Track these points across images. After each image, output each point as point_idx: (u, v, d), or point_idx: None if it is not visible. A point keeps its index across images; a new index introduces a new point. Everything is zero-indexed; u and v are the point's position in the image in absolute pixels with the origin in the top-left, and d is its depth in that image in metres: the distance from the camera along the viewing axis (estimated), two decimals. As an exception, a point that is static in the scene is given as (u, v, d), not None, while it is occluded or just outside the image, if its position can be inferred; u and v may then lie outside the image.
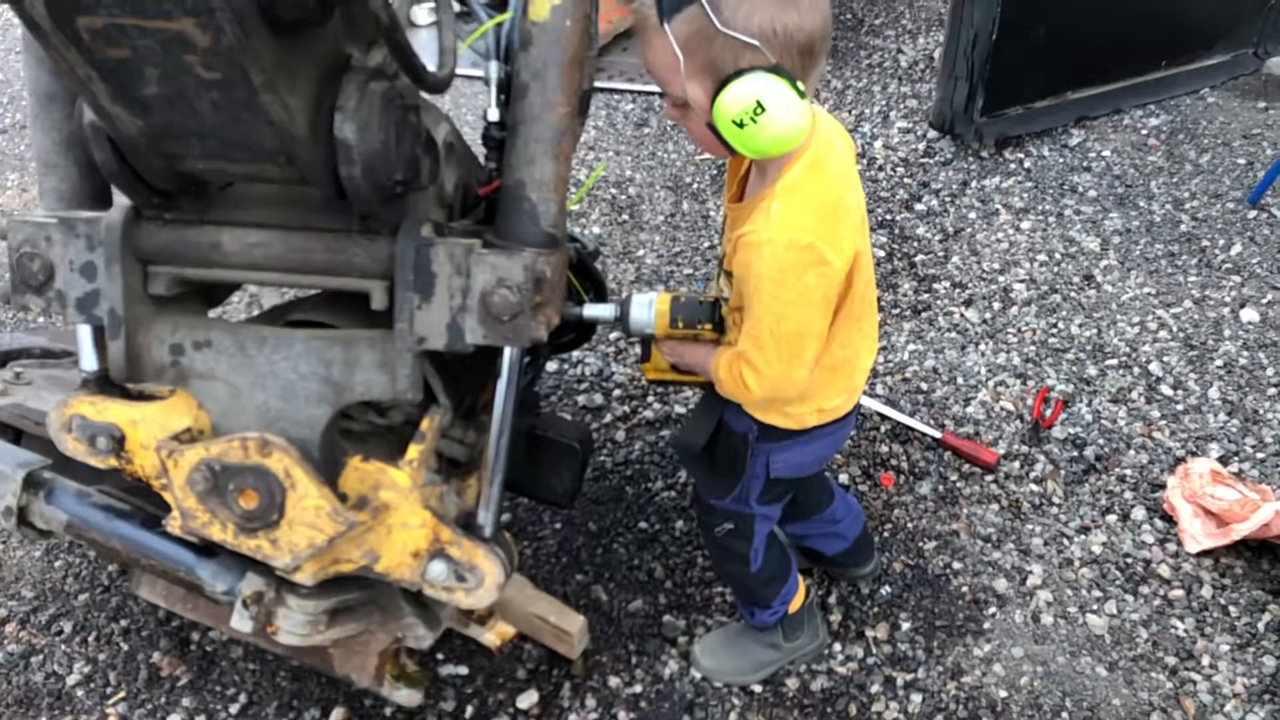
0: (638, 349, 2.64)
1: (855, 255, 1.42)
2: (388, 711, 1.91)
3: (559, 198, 1.42)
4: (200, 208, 1.38)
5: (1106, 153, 3.59)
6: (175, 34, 1.04)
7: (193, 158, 1.26)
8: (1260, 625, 1.99)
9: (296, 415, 1.40)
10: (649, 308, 1.57)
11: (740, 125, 1.27)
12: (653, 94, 4.15)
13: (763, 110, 1.25)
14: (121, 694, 1.97)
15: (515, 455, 1.84)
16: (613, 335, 2.79)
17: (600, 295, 1.92)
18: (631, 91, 4.18)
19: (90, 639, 2.07)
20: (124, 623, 2.09)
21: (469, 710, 1.92)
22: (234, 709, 1.93)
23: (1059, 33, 3.54)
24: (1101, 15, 3.59)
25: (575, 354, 2.72)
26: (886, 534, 2.21)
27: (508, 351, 1.47)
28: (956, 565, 2.14)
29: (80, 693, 1.98)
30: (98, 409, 1.44)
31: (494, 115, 1.46)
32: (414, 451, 1.46)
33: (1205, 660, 1.94)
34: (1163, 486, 2.27)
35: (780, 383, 1.44)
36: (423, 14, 4.57)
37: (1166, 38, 3.85)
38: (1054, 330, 2.79)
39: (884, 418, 2.49)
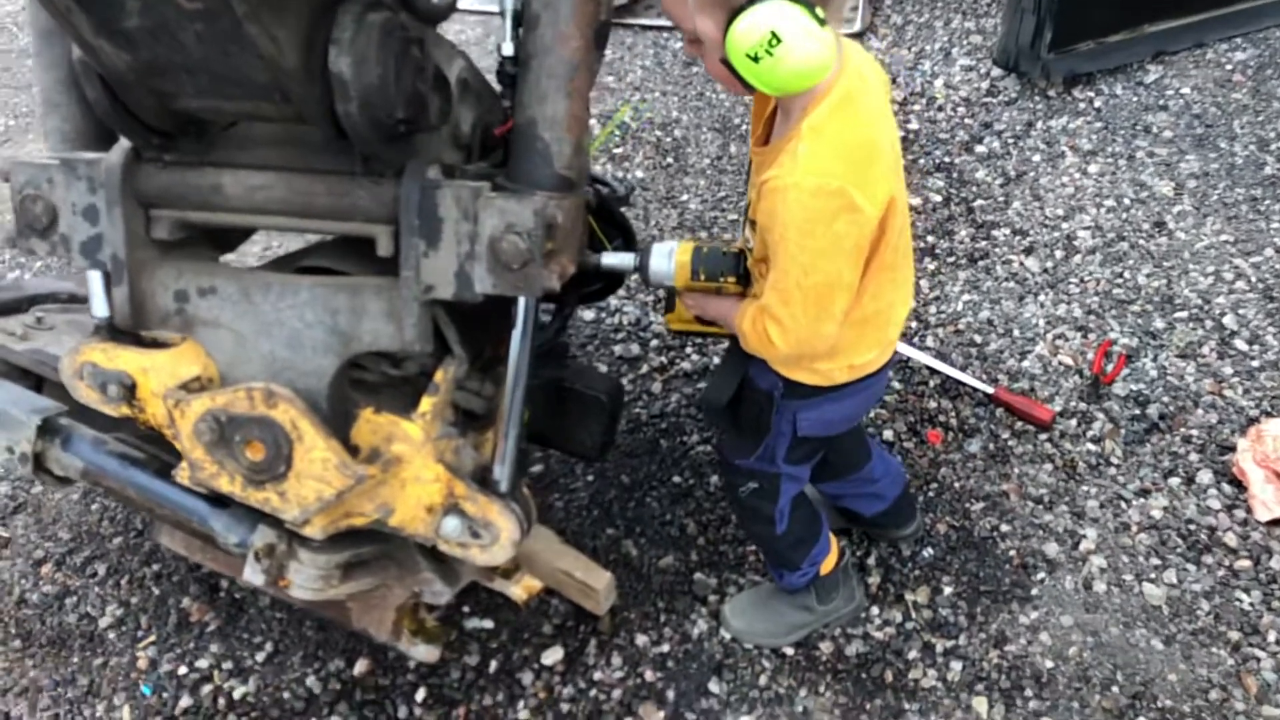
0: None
1: (889, 200, 1.31)
2: (411, 664, 1.89)
3: (574, 137, 1.34)
4: (201, 149, 1.32)
5: (1186, 90, 3.36)
6: None
7: (185, 95, 1.20)
8: (1333, 599, 1.87)
9: (303, 365, 1.35)
10: (669, 258, 1.48)
11: (755, 59, 1.18)
12: (703, 31, 4.00)
13: (778, 41, 1.15)
14: (152, 638, 1.98)
15: (542, 407, 1.79)
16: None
17: (629, 242, 1.83)
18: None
19: (123, 582, 2.08)
20: (156, 567, 2.09)
21: (493, 665, 1.89)
22: (260, 657, 1.92)
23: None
24: (1184, -59, 3.34)
25: (613, 302, 2.65)
26: (931, 494, 2.12)
27: (522, 301, 1.39)
28: (1005, 528, 2.04)
29: (112, 635, 1.99)
30: (109, 356, 1.40)
31: (508, 49, 1.37)
32: (427, 404, 1.40)
33: (1272, 636, 1.82)
34: (1232, 449, 2.13)
35: (808, 337, 1.34)
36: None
37: (1256, -36, 3.58)
38: (1119, 280, 2.63)
39: (933, 371, 2.37)
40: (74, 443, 1.57)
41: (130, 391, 1.40)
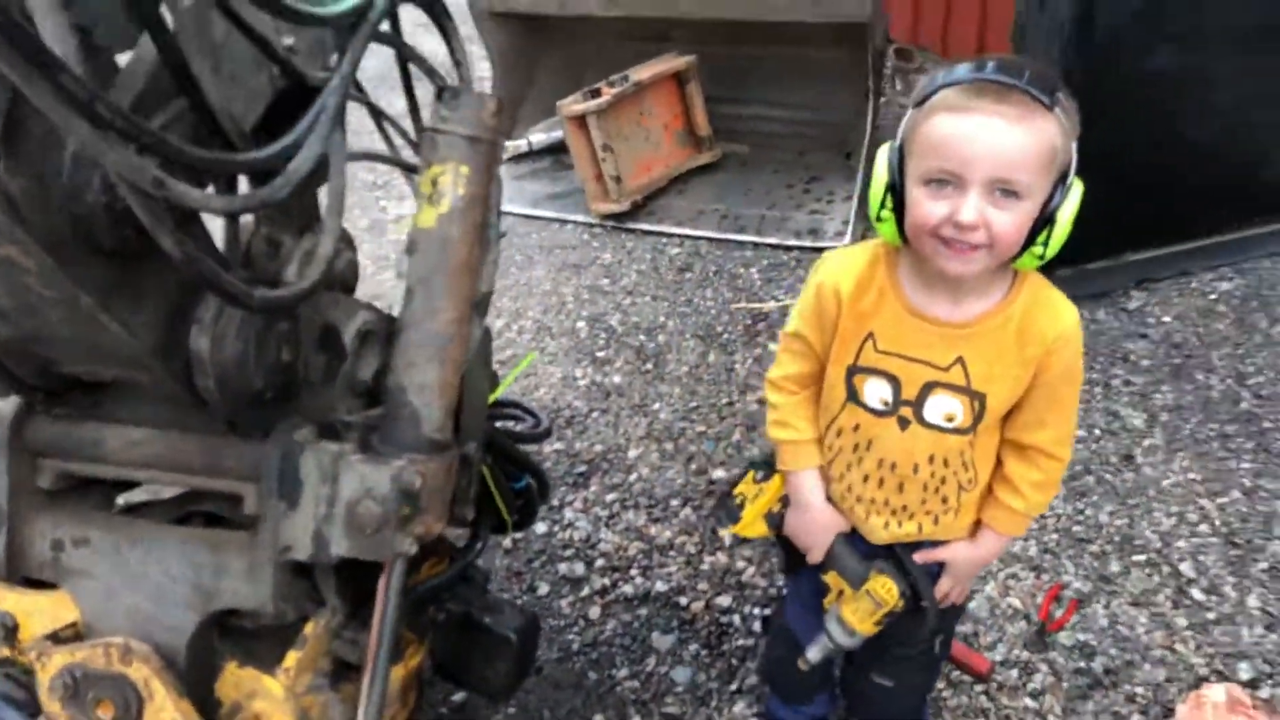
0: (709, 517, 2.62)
1: None
2: None
3: (444, 402, 1.39)
4: (89, 403, 1.41)
5: (1168, 319, 3.38)
6: (4, 257, 1.06)
7: (64, 362, 1.29)
8: None
9: (165, 619, 1.38)
10: (838, 622, 1.57)
11: (1057, 223, 1.25)
12: (700, 239, 4.16)
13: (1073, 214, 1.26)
14: None
15: (450, 642, 1.79)
16: (608, 496, 2.73)
17: (539, 480, 1.88)
18: (680, 235, 4.20)
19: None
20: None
21: None
22: None
23: (1117, 190, 3.38)
24: (1166, 174, 3.42)
25: (567, 514, 2.67)
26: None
27: (386, 559, 1.42)
28: (929, 791, 1.95)
29: None
30: None
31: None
32: (291, 659, 1.42)
33: None
34: (1172, 713, 2.03)
35: None
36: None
37: (1240, 198, 3.64)
38: (1080, 517, 2.58)
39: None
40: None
41: (12, 633, 1.44)
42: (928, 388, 1.39)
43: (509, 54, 4.80)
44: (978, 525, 1.53)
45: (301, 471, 1.33)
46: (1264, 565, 2.41)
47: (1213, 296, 3.47)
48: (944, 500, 1.48)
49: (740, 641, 2.25)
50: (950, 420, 1.40)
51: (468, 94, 1.35)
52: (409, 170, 1.80)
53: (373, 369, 1.55)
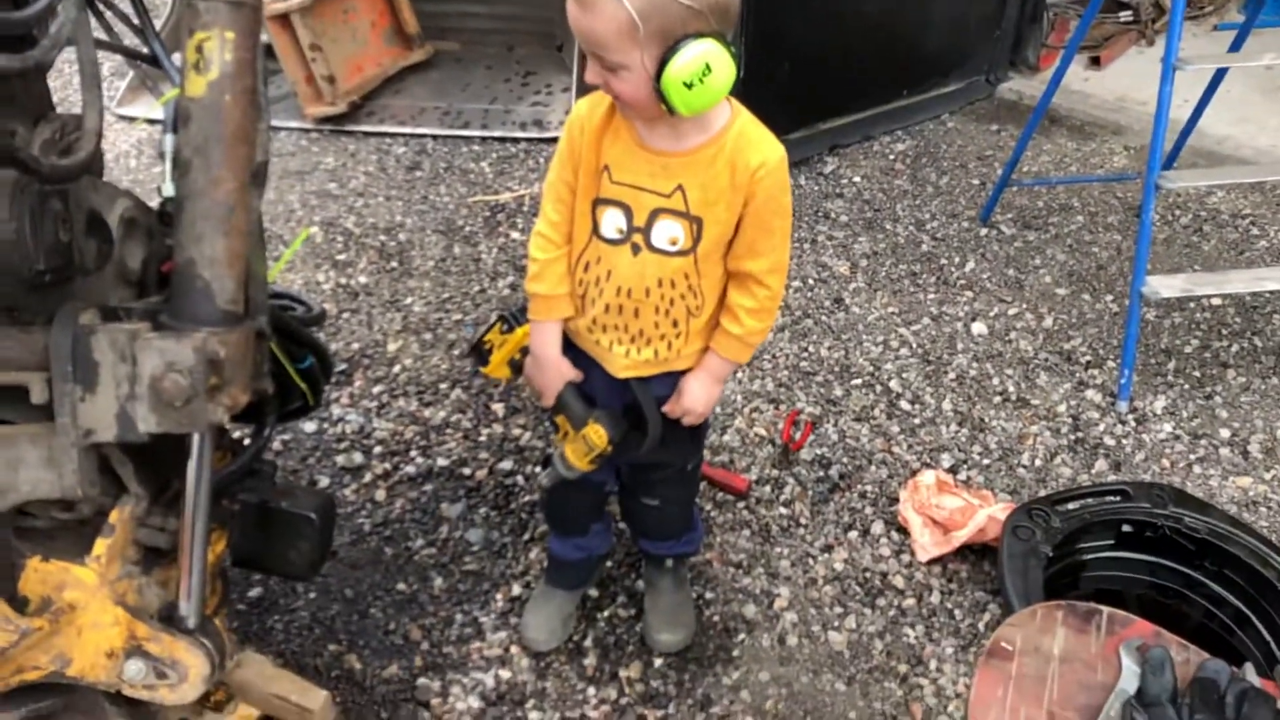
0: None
1: None
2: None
3: (235, 273, 1.39)
4: None
5: (858, 179, 3.81)
6: None
7: None
8: (980, 625, 2.15)
9: None
10: (561, 459, 1.76)
11: (689, 86, 1.37)
12: (424, 137, 4.13)
13: (709, 72, 1.36)
14: None
15: (249, 531, 1.79)
16: (375, 389, 2.75)
17: (320, 359, 1.89)
18: (403, 135, 4.15)
19: None
20: None
21: (210, 802, 1.83)
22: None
23: (805, 69, 3.74)
24: (842, 51, 3.82)
25: (335, 411, 2.67)
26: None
27: (195, 434, 1.42)
28: (709, 595, 2.21)
29: None
30: None
31: (169, 190, 1.42)
32: (100, 547, 1.39)
33: (932, 664, 2.07)
34: (897, 500, 2.42)
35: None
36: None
37: (907, 67, 4.13)
38: (805, 354, 2.93)
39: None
40: None
41: None
42: (654, 214, 1.58)
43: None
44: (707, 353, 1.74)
45: (96, 353, 1.29)
46: (952, 376, 2.86)
47: (891, 157, 3.94)
48: (675, 324, 1.67)
49: (527, 498, 2.40)
50: (674, 244, 1.59)
51: (226, -43, 1.33)
52: (132, 58, 1.72)
53: (139, 258, 1.51)
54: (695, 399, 1.73)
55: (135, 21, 1.67)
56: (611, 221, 1.60)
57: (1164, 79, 2.52)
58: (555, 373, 1.73)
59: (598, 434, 1.68)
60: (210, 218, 1.36)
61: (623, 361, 1.70)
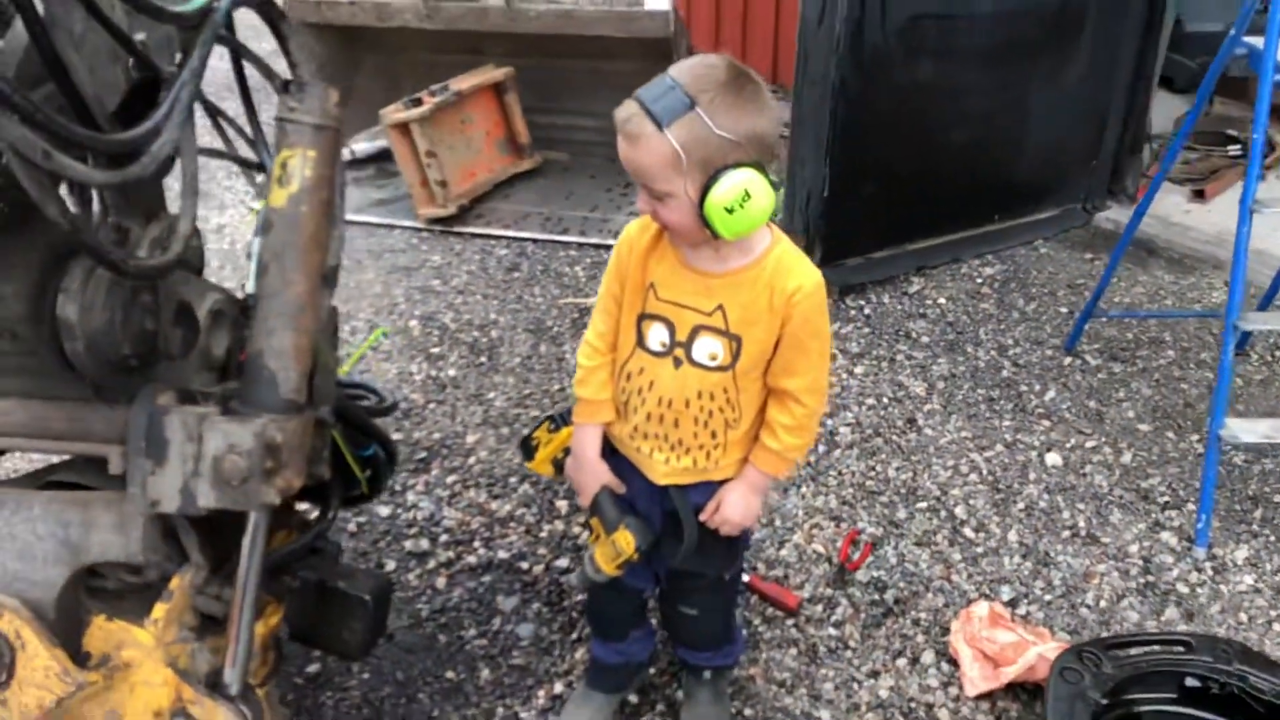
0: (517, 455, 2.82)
1: None
2: None
3: (300, 365, 1.53)
4: None
5: (942, 300, 3.83)
6: None
7: None
8: (1026, 768, 2.08)
9: (34, 576, 1.45)
10: (590, 562, 1.82)
11: (730, 211, 1.48)
12: (526, 240, 4.34)
13: (749, 198, 1.48)
14: None
15: (306, 607, 1.90)
16: (449, 479, 2.87)
17: (386, 449, 2.01)
18: (507, 237, 4.37)
19: None
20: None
21: None
22: None
23: (893, 189, 3.81)
24: (932, 174, 3.88)
25: (409, 497, 2.79)
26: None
27: (252, 513, 1.54)
28: (748, 712, 2.20)
29: None
30: None
31: (251, 288, 1.58)
32: (159, 611, 1.51)
33: (971, 804, 2.01)
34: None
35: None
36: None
37: (998, 193, 4.16)
38: (872, 473, 2.93)
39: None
40: None
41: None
42: (695, 331, 1.67)
43: (327, 65, 4.85)
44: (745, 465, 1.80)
45: (167, 431, 1.43)
46: (1021, 506, 2.81)
47: (979, 280, 3.95)
48: (713, 435, 1.73)
49: (579, 598, 2.45)
50: (714, 360, 1.68)
51: (312, 85, 1.49)
52: (244, 165, 1.92)
53: (224, 346, 1.67)
54: (733, 509, 1.77)
55: (250, 135, 1.88)
56: (656, 335, 1.70)
57: (1241, 220, 2.50)
58: (593, 474, 1.81)
59: (626, 540, 1.74)
60: (282, 315, 1.51)
61: (663, 469, 1.77)
